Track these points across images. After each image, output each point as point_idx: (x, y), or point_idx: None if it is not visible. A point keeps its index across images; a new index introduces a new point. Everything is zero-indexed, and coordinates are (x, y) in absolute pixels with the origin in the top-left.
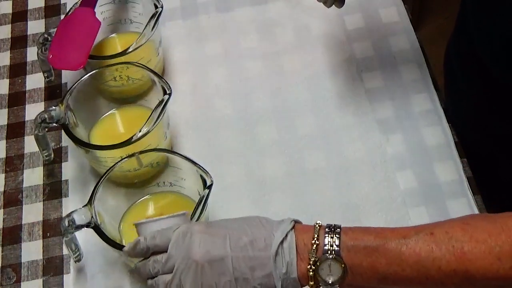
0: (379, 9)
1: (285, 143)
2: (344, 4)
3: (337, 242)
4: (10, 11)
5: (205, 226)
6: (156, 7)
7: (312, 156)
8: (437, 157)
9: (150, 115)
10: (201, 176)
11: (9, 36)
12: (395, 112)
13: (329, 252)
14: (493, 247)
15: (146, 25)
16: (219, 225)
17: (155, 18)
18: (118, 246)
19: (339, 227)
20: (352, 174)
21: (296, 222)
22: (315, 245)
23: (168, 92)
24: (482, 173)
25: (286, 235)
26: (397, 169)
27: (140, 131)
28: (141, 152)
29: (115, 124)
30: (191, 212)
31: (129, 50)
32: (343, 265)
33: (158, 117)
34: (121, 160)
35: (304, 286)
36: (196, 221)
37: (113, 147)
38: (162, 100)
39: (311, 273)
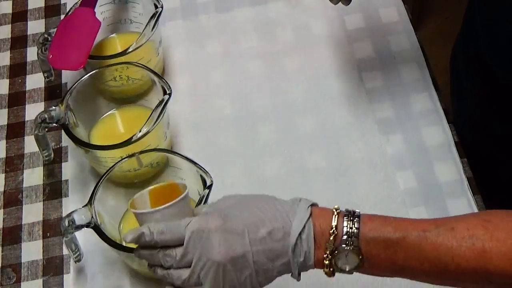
0: (379, 9)
1: (285, 143)
2: (351, 2)
3: (356, 233)
4: (10, 11)
5: (220, 221)
6: (156, 7)
7: (312, 156)
8: (437, 157)
9: (150, 115)
10: (201, 176)
11: (9, 36)
12: (395, 112)
13: (347, 243)
14: None
15: (146, 25)
16: (233, 216)
17: (155, 18)
18: (118, 246)
19: (358, 215)
20: (352, 174)
21: (313, 205)
22: (333, 235)
23: (168, 92)
24: (482, 173)
25: (304, 226)
26: (397, 169)
27: (140, 131)
28: (141, 152)
29: (115, 124)
30: (187, 188)
31: (129, 50)
32: (360, 257)
33: (158, 117)
34: (121, 160)
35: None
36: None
37: (113, 147)
38: (162, 100)
39: (327, 262)
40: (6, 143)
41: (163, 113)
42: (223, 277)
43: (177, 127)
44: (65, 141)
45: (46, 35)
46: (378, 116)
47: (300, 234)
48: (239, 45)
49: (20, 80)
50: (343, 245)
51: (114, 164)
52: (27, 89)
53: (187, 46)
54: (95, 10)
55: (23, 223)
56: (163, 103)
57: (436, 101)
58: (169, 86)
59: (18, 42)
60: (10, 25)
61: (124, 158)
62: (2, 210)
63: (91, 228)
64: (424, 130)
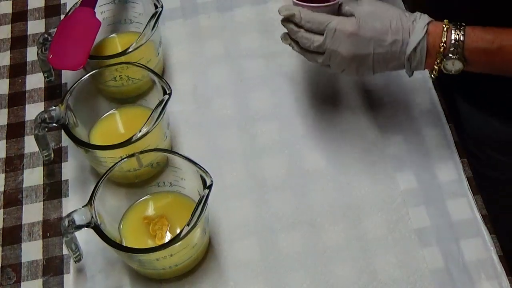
0: None
1: (285, 143)
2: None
3: (461, 45)
4: (10, 11)
5: (356, 28)
6: (156, 7)
7: (312, 156)
8: (437, 157)
9: (150, 115)
10: (201, 176)
11: (9, 36)
12: (395, 112)
13: (454, 53)
14: None
15: (146, 25)
16: (366, 25)
17: (155, 18)
18: (118, 246)
19: (464, 29)
20: (352, 174)
21: (429, 22)
22: (442, 48)
23: (168, 92)
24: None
25: (419, 43)
26: (397, 169)
27: (140, 131)
28: (141, 152)
29: (115, 124)
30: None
31: (129, 50)
32: (464, 62)
33: (158, 117)
34: (121, 160)
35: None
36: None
37: (113, 147)
38: (162, 100)
39: (436, 67)
40: (6, 143)
41: (163, 113)
42: (346, 65)
43: (177, 127)
44: (65, 141)
45: (46, 35)
46: (378, 116)
47: (415, 48)
48: (239, 45)
49: (20, 80)
50: (450, 55)
51: (114, 164)
52: (27, 89)
53: (187, 46)
54: (95, 10)
55: (23, 223)
56: (163, 103)
57: (436, 101)
58: (169, 86)
59: (18, 42)
60: (10, 25)
61: (124, 158)
62: (2, 210)
63: (91, 228)
64: (424, 130)
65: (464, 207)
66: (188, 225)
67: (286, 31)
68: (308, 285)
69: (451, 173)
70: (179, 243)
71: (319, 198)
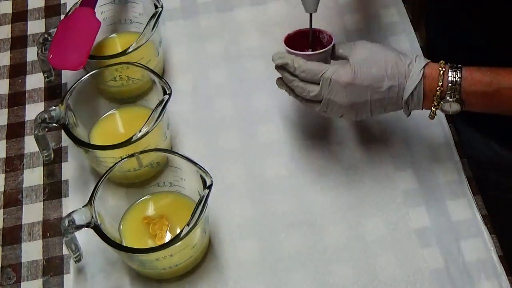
0: (379, 9)
1: (285, 143)
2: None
3: (458, 89)
4: (10, 11)
5: (351, 78)
6: (156, 7)
7: (312, 156)
8: (437, 157)
9: (150, 115)
10: (201, 176)
11: (9, 36)
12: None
13: (451, 96)
14: None
15: (146, 25)
16: (362, 72)
17: (155, 18)
18: (118, 246)
19: (460, 71)
20: (352, 174)
21: (426, 65)
22: (439, 91)
23: (168, 92)
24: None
25: (416, 87)
26: (397, 169)
27: (140, 131)
28: (141, 152)
29: (115, 124)
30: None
31: (129, 50)
32: (461, 104)
33: (158, 117)
34: (121, 160)
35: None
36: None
37: (113, 147)
38: (162, 100)
39: (433, 108)
40: (6, 143)
41: (163, 113)
42: (344, 112)
43: (177, 127)
44: (65, 141)
45: (46, 35)
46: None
47: (412, 92)
48: (239, 45)
49: (20, 80)
50: (448, 97)
51: (114, 164)
52: (27, 89)
53: (187, 46)
54: (95, 10)
55: (23, 223)
56: (163, 103)
57: None
58: (169, 86)
59: (18, 42)
60: (10, 25)
61: (124, 158)
62: (2, 210)
63: (91, 228)
64: (424, 130)
65: (464, 207)
66: (188, 225)
67: (281, 76)
68: (308, 285)
69: (451, 173)
70: (179, 243)
71: (319, 198)
